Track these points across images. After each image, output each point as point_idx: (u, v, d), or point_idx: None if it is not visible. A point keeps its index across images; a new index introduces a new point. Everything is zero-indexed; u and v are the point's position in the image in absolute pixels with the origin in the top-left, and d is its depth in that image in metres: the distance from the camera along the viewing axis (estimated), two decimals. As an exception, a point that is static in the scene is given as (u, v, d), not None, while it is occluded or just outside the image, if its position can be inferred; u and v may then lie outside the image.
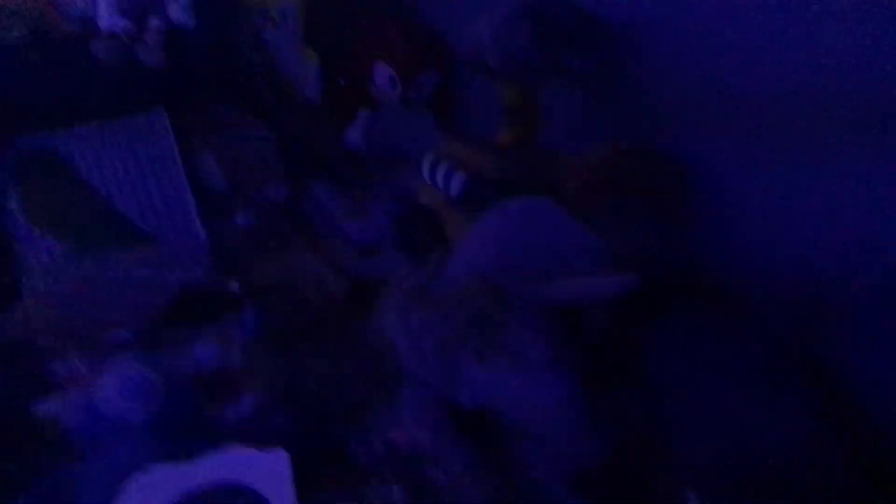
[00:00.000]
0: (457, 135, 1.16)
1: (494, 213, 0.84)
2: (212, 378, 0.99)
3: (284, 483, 0.69)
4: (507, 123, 1.02)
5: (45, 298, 1.16)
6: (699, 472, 0.73)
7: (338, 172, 1.37)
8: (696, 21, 0.85)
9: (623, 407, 0.77)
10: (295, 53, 1.51)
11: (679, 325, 0.84)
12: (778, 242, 0.86)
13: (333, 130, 1.42)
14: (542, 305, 0.73)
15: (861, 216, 0.76)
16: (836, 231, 0.79)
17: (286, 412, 0.90)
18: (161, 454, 0.78)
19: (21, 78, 1.36)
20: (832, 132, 0.77)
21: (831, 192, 0.78)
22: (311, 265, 1.11)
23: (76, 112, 1.36)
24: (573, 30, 0.95)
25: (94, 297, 1.15)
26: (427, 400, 0.78)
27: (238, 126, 1.41)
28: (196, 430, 0.85)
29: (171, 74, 1.39)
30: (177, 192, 1.33)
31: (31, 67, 1.38)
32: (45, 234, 1.26)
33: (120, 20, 1.45)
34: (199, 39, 1.42)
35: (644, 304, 0.79)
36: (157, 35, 1.40)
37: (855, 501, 0.72)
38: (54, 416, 0.92)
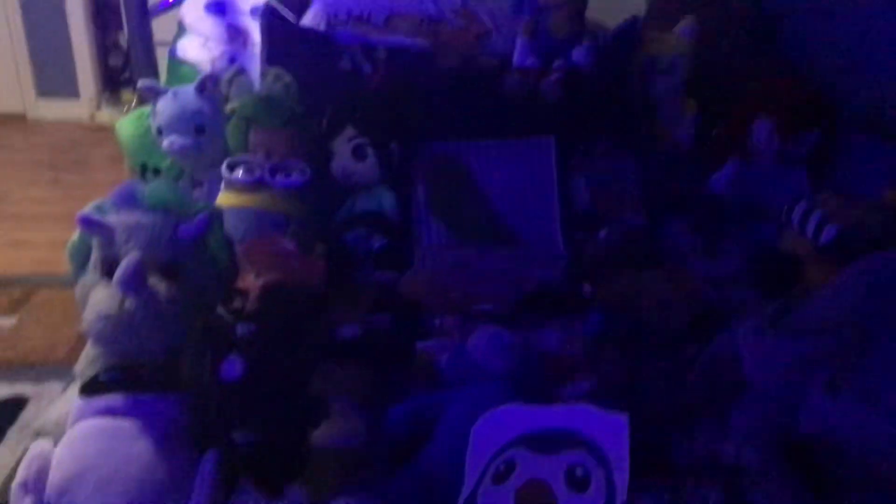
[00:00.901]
0: (832, 190, 1.15)
1: (868, 261, 0.83)
2: (554, 361, 1.12)
3: (622, 442, 0.77)
4: (898, 184, 0.99)
5: (431, 270, 1.43)
6: None
7: (696, 213, 1.43)
8: None
9: None
10: (675, 100, 1.63)
11: None
12: None
13: (699, 174, 1.49)
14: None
15: None
16: None
17: (616, 404, 0.99)
18: (511, 402, 0.93)
19: (445, 96, 1.65)
20: None
21: None
22: (658, 287, 1.19)
23: (481, 129, 1.62)
24: None
25: (468, 277, 1.38)
26: (761, 418, 0.80)
27: (610, 158, 1.56)
28: (540, 396, 0.98)
29: (564, 108, 1.60)
30: (547, 206, 1.52)
31: (454, 88, 1.69)
32: (440, 221, 1.54)
33: (531, 59, 1.71)
34: (593, 81, 1.61)
35: None
36: (560, 74, 1.62)
37: None
38: (431, 353, 1.14)
